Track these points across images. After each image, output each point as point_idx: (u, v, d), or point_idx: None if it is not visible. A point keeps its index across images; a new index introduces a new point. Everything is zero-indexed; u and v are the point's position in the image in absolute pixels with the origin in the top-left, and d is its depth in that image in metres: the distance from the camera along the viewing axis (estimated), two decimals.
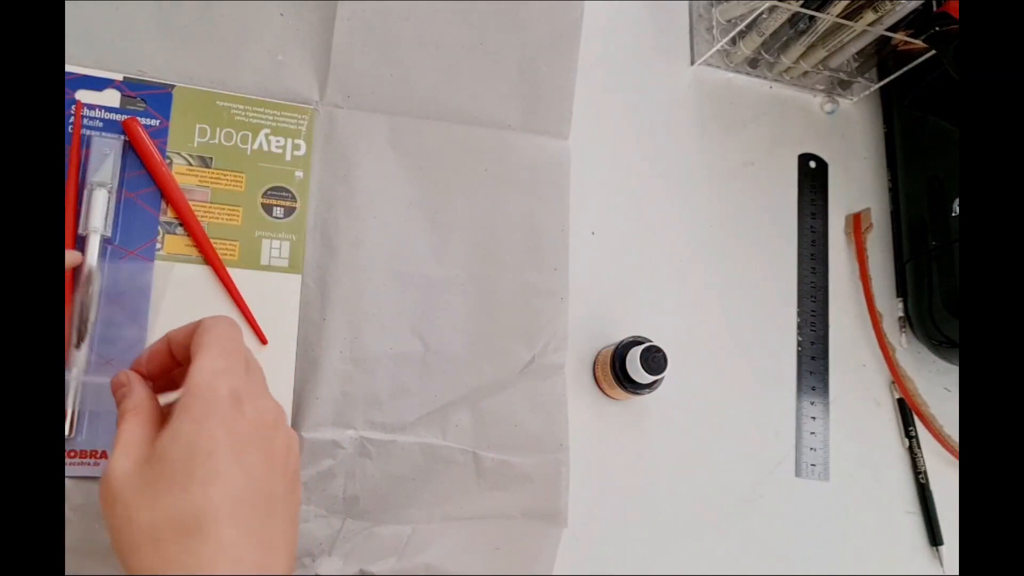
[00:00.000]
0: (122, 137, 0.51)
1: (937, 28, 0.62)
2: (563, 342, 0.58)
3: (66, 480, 0.46)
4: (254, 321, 0.51)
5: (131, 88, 0.52)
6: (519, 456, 0.55)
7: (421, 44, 0.58)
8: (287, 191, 0.54)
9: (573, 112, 0.61)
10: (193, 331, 0.40)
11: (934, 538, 0.63)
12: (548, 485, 0.55)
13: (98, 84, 0.51)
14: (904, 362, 0.67)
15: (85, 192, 0.49)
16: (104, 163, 0.50)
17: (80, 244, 0.48)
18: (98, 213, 0.49)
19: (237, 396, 0.37)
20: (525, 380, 0.56)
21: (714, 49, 0.67)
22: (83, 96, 0.51)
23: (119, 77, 0.52)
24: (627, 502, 0.58)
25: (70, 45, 0.51)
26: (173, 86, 0.53)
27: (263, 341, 0.51)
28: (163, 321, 0.50)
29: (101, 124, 0.51)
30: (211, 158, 0.53)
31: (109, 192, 0.49)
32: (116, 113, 0.51)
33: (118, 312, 0.49)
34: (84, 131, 0.50)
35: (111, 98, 0.51)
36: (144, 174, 0.51)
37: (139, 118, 0.51)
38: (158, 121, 0.52)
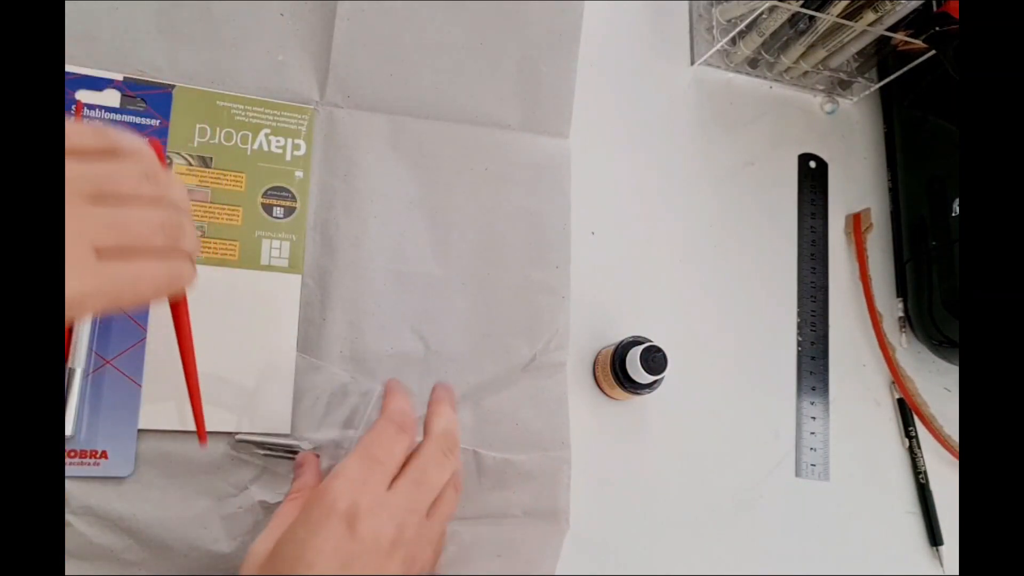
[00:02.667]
0: None
1: (937, 28, 0.62)
2: (565, 340, 0.58)
3: (66, 481, 0.46)
4: (200, 414, 0.47)
5: (131, 88, 0.52)
6: (520, 454, 0.55)
7: (421, 44, 0.58)
8: (287, 191, 0.54)
9: (573, 112, 0.61)
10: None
11: (934, 538, 0.63)
12: (550, 484, 0.55)
13: (98, 84, 0.51)
14: (904, 362, 0.67)
15: None
16: None
17: None
18: None
19: (355, 513, 0.37)
20: (527, 378, 0.56)
21: (714, 49, 0.67)
22: (83, 96, 0.51)
23: (119, 77, 0.52)
24: (627, 502, 0.58)
25: (70, 45, 0.51)
26: (173, 86, 0.53)
27: (202, 439, 0.47)
28: (164, 322, 0.50)
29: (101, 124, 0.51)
30: (211, 158, 0.53)
31: None
32: (116, 113, 0.51)
33: (117, 312, 0.49)
34: None
35: (111, 98, 0.51)
36: None
37: (138, 118, 0.51)
38: (158, 121, 0.52)
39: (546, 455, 0.55)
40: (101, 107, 0.51)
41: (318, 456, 0.45)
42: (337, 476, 0.38)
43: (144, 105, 0.52)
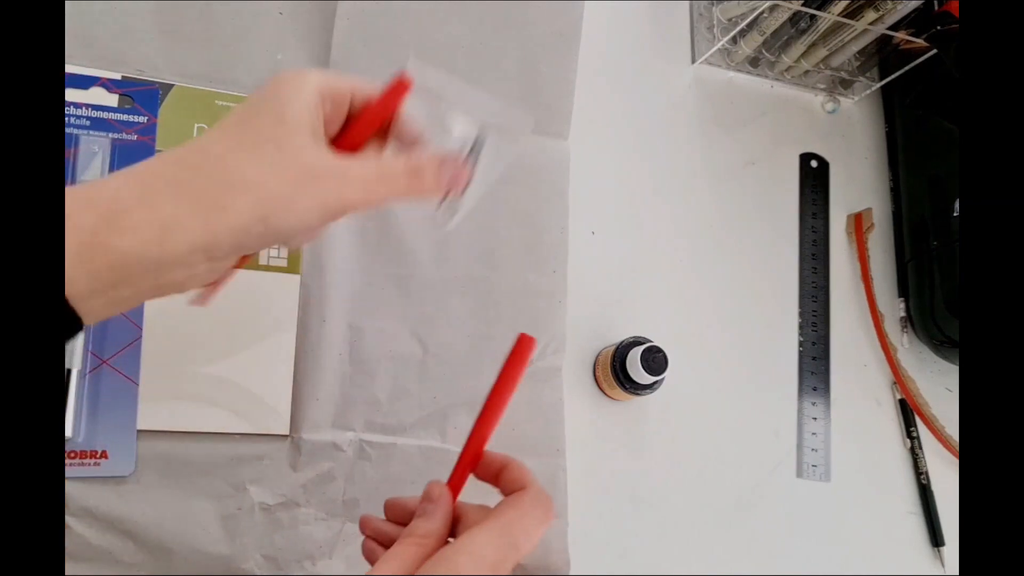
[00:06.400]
0: (110, 135, 0.51)
1: (938, 27, 0.62)
2: (562, 344, 0.57)
3: (66, 482, 0.46)
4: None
5: (118, 85, 0.52)
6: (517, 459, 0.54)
7: (421, 44, 0.58)
8: None
9: (573, 111, 0.61)
10: (519, 478, 0.38)
11: (935, 539, 0.63)
12: (547, 488, 0.55)
13: (84, 82, 0.51)
14: (906, 362, 0.67)
15: None
16: (93, 161, 0.50)
17: None
18: None
19: None
20: (524, 383, 0.56)
21: (715, 48, 0.67)
22: (69, 95, 0.50)
23: (118, 76, 0.52)
24: (627, 502, 0.58)
25: (69, 45, 0.51)
26: (168, 84, 0.52)
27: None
28: (158, 320, 0.50)
29: (88, 123, 0.50)
30: None
31: None
32: (104, 111, 0.51)
33: None
34: (71, 130, 0.50)
35: (98, 96, 0.51)
36: None
37: (126, 115, 0.51)
38: (146, 118, 0.52)
39: (543, 461, 0.55)
40: (88, 105, 0.51)
41: (453, 492, 0.38)
42: (471, 553, 0.33)
43: (132, 102, 0.52)
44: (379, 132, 0.40)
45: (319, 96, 0.36)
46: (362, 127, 0.39)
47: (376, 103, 0.39)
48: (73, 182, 0.49)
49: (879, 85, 0.70)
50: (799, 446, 0.63)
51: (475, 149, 0.41)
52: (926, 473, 0.64)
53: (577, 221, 0.60)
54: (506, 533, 0.34)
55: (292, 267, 0.53)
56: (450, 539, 0.37)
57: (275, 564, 0.49)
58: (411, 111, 0.40)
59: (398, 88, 0.39)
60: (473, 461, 0.38)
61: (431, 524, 0.36)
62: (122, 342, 0.49)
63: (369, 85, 0.39)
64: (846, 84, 0.70)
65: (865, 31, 0.62)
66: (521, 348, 0.40)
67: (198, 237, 0.31)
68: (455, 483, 0.38)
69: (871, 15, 0.60)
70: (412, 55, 0.42)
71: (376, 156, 0.40)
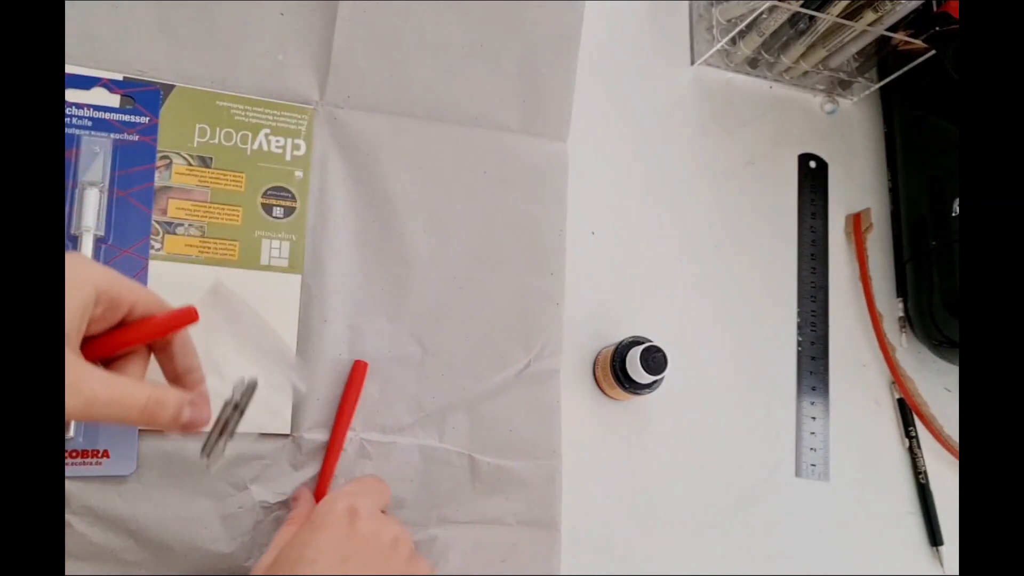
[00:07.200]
0: (112, 135, 0.51)
1: (937, 28, 0.62)
2: (558, 347, 0.57)
3: (67, 481, 0.46)
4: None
5: (119, 86, 0.52)
6: (514, 461, 0.55)
7: (421, 45, 0.58)
8: (287, 191, 0.54)
9: (573, 111, 0.61)
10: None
11: (934, 538, 0.63)
12: (542, 492, 0.55)
13: (86, 83, 0.51)
14: (904, 362, 0.67)
15: (76, 191, 0.49)
16: (94, 162, 0.50)
17: (73, 244, 0.48)
18: (90, 212, 0.48)
19: (354, 512, 0.41)
20: (521, 384, 0.56)
21: (714, 49, 0.67)
22: (71, 95, 0.50)
23: (119, 76, 0.52)
24: (627, 502, 0.58)
25: (70, 45, 0.51)
26: (169, 85, 0.52)
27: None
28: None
29: (90, 123, 0.50)
30: (211, 158, 0.53)
31: (100, 191, 0.49)
32: (105, 112, 0.51)
33: None
34: (73, 130, 0.50)
35: (99, 96, 0.51)
36: (136, 172, 0.51)
37: (127, 115, 0.51)
38: (147, 119, 0.52)
39: (539, 463, 0.55)
40: (90, 105, 0.51)
41: (317, 492, 0.49)
42: (336, 490, 0.43)
43: (133, 103, 0.52)
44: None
45: (94, 296, 0.36)
46: (128, 340, 0.40)
47: (153, 325, 0.40)
48: (75, 182, 0.49)
49: (878, 86, 0.71)
50: (798, 446, 0.63)
51: (242, 399, 0.42)
52: (925, 472, 0.64)
53: (577, 221, 0.60)
54: (359, 483, 0.47)
55: (294, 267, 0.53)
56: None
57: None
58: (192, 339, 0.41)
59: (182, 319, 0.40)
60: (333, 467, 0.50)
61: (301, 510, 0.47)
62: None
63: (154, 302, 0.40)
64: (845, 85, 0.71)
65: (864, 32, 0.62)
66: (356, 373, 0.51)
67: None
68: (320, 486, 0.50)
69: (870, 16, 0.60)
70: (222, 281, 0.42)
71: (125, 372, 0.40)
